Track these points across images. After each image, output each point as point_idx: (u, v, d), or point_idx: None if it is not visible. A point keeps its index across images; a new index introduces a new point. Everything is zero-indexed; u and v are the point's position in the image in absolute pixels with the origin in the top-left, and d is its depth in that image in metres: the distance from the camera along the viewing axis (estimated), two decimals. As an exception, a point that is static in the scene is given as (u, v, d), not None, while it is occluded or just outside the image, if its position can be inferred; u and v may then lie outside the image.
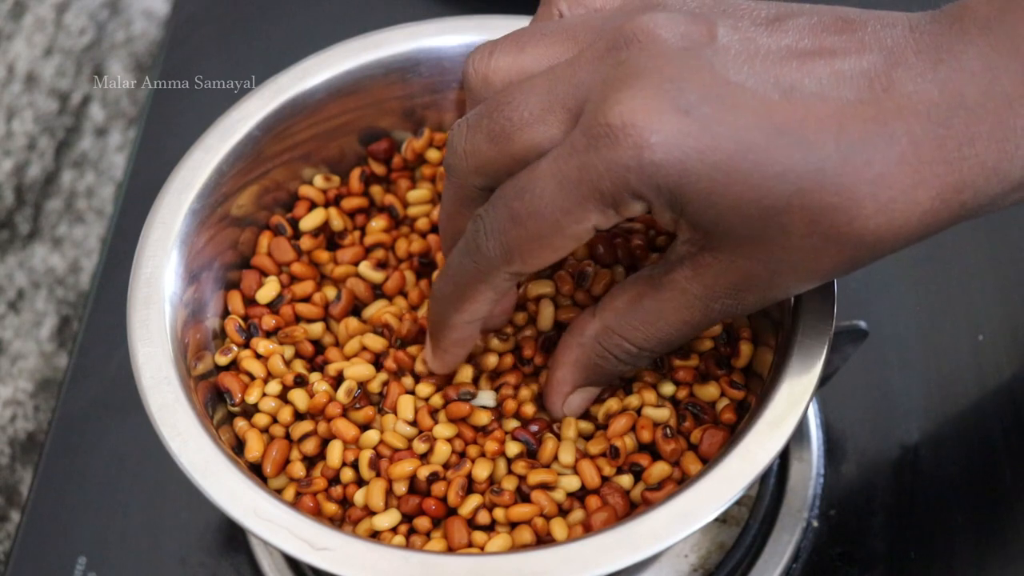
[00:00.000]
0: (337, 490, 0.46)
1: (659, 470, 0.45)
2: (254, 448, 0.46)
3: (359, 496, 0.45)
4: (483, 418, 0.46)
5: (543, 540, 0.44)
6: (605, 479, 0.46)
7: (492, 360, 0.47)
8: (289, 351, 0.49)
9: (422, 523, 0.45)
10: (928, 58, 0.38)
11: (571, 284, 0.48)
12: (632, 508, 0.45)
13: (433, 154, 0.53)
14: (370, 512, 0.45)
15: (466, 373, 0.47)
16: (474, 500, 0.45)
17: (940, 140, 0.38)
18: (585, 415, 0.47)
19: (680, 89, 0.38)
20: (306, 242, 0.52)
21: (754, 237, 0.39)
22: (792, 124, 0.37)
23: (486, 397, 0.47)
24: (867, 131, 0.37)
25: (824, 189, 0.37)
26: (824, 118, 0.37)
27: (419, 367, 0.48)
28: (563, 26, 0.43)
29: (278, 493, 0.46)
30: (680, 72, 0.38)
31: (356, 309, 0.51)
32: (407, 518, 0.45)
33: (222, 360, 0.48)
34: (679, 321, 0.42)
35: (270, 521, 0.41)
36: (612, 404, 0.46)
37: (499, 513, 0.45)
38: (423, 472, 0.45)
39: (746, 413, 0.45)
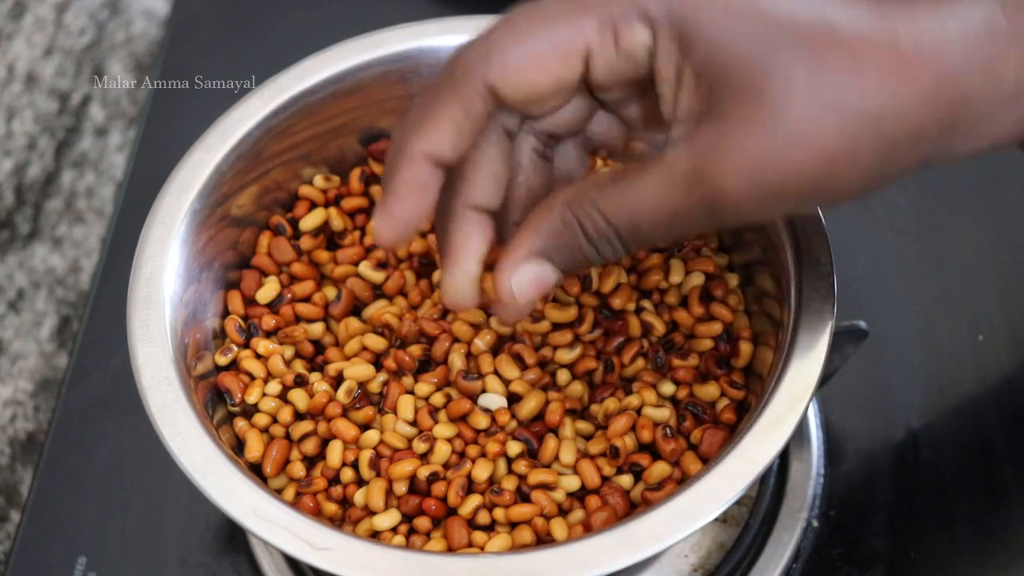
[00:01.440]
0: (337, 490, 0.46)
1: (659, 470, 0.45)
2: (254, 448, 0.46)
3: (359, 496, 0.45)
4: (482, 421, 0.46)
5: (543, 540, 0.44)
6: (605, 479, 0.46)
7: (487, 338, 0.47)
8: (289, 351, 0.49)
9: (422, 523, 0.45)
10: None
11: (579, 286, 0.48)
12: (632, 508, 0.45)
13: (433, 154, 0.53)
14: (370, 512, 0.45)
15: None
16: (474, 500, 0.45)
17: (940, 26, 0.37)
18: (585, 415, 0.47)
19: None
20: (306, 242, 0.52)
21: (756, 94, 0.37)
22: None
23: (493, 398, 0.47)
24: (872, 10, 0.37)
25: (831, 44, 0.37)
26: None
27: (422, 386, 0.48)
28: None
29: (278, 493, 0.46)
30: None
31: (356, 309, 0.51)
32: (407, 518, 0.45)
33: (222, 360, 0.48)
34: (657, 201, 0.39)
35: (270, 521, 0.41)
36: (612, 404, 0.46)
37: (499, 513, 0.45)
38: (423, 472, 0.45)
39: (746, 413, 0.45)
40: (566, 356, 0.47)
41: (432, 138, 0.39)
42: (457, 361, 0.48)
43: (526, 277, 0.41)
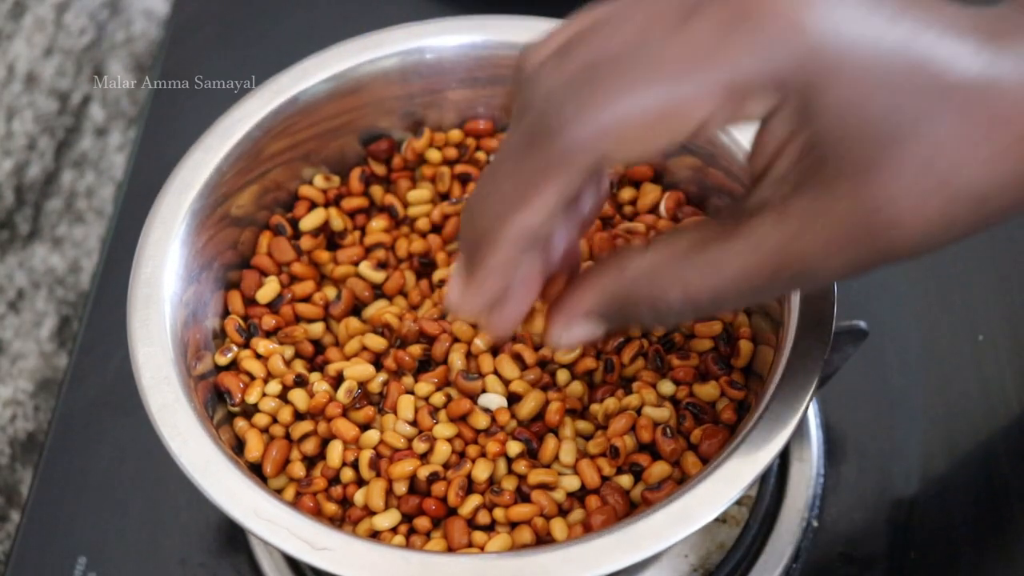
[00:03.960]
0: (337, 490, 0.46)
1: (659, 470, 0.45)
2: (254, 448, 0.46)
3: (359, 496, 0.45)
4: (483, 421, 0.46)
5: (543, 540, 0.44)
6: (605, 479, 0.46)
7: (487, 338, 0.47)
8: (289, 351, 0.49)
9: (422, 523, 0.45)
10: (1007, 25, 0.36)
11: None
12: (632, 508, 0.45)
13: (433, 154, 0.53)
14: (370, 512, 0.45)
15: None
16: (474, 500, 0.45)
17: None
18: (585, 415, 0.47)
19: None
20: (306, 242, 0.52)
21: (867, 167, 0.35)
22: (931, 47, 0.35)
23: (493, 398, 0.47)
24: (985, 72, 0.35)
25: (951, 120, 0.35)
26: (949, 53, 0.35)
27: (422, 386, 0.47)
28: None
29: (278, 493, 0.46)
30: None
31: (356, 309, 0.51)
32: (407, 518, 0.45)
33: (222, 360, 0.48)
34: (742, 277, 0.37)
35: (270, 521, 0.41)
36: (612, 404, 0.46)
37: (499, 513, 0.45)
38: (423, 472, 0.45)
39: (746, 413, 0.45)
40: (566, 356, 0.47)
41: (532, 215, 0.36)
42: (457, 361, 0.48)
43: (576, 332, 0.40)
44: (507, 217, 0.36)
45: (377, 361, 0.49)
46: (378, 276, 0.51)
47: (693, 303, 0.38)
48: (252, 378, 0.48)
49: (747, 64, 0.34)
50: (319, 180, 0.53)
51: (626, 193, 0.52)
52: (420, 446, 0.46)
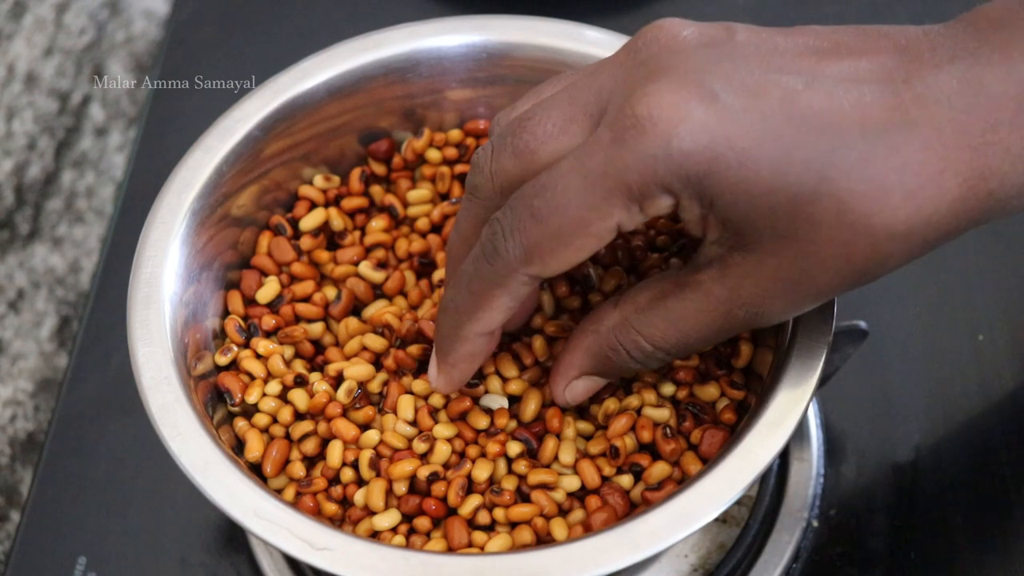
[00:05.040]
0: (337, 490, 0.46)
1: (659, 470, 0.45)
2: (254, 448, 0.46)
3: (359, 496, 0.45)
4: (482, 421, 0.46)
5: (543, 540, 0.44)
6: (605, 479, 0.46)
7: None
8: (289, 351, 0.49)
9: (422, 523, 0.45)
10: (944, 54, 0.39)
11: (567, 288, 0.48)
12: (632, 508, 0.45)
13: (433, 154, 0.53)
14: (370, 512, 0.45)
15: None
16: (474, 500, 0.45)
17: (962, 126, 0.38)
18: (585, 415, 0.47)
19: (704, 80, 0.38)
20: (306, 242, 0.52)
21: (784, 232, 0.38)
22: (816, 112, 0.38)
23: (495, 399, 0.47)
24: (889, 119, 0.38)
25: (851, 176, 0.37)
26: (846, 107, 0.38)
27: (421, 386, 0.47)
28: (581, 68, 0.43)
29: (278, 493, 0.46)
30: (703, 64, 0.39)
31: (356, 309, 0.51)
32: (407, 518, 0.45)
33: (222, 360, 0.48)
34: (699, 324, 0.42)
35: (270, 521, 0.41)
36: (612, 404, 0.46)
37: (499, 513, 0.45)
38: (423, 472, 0.45)
39: (746, 413, 0.45)
40: (566, 356, 0.47)
41: (484, 323, 0.43)
42: (457, 361, 0.48)
43: (578, 389, 0.45)
44: (464, 323, 0.43)
45: (377, 361, 0.49)
46: (378, 276, 0.51)
47: (662, 349, 0.43)
48: (252, 378, 0.48)
49: (633, 178, 0.38)
50: (319, 180, 0.53)
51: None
52: (420, 446, 0.46)
